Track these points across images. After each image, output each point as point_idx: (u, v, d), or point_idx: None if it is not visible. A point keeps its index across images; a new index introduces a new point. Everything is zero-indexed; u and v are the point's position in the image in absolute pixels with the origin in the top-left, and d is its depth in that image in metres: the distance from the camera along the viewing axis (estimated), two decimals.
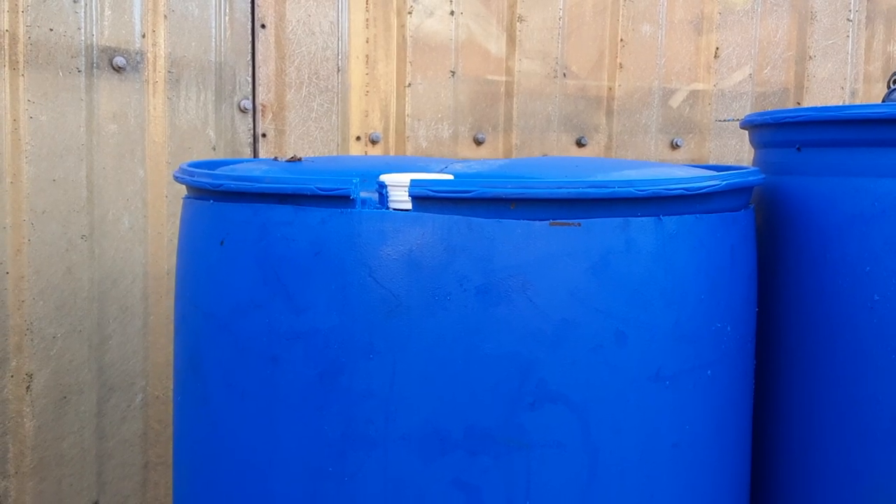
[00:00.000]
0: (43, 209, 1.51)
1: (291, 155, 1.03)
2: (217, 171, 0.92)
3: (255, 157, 1.77)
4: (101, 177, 1.58)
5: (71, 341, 1.55)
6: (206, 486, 0.92)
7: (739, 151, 2.11)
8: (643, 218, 0.83)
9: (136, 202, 1.62)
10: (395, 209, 0.82)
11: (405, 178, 0.84)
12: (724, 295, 0.91)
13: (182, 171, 0.99)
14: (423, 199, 0.80)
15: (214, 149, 1.71)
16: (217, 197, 0.90)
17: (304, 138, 1.78)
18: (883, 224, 0.94)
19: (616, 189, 0.81)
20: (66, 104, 1.53)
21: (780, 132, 1.09)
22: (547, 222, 0.81)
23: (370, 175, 0.94)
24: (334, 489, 0.83)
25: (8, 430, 1.51)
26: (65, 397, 1.55)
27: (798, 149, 1.05)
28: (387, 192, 0.83)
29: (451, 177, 0.89)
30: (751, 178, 0.94)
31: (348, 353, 0.82)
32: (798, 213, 1.02)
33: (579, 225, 0.81)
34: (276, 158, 1.08)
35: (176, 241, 1.65)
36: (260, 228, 0.86)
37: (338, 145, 1.81)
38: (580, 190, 0.80)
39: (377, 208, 0.82)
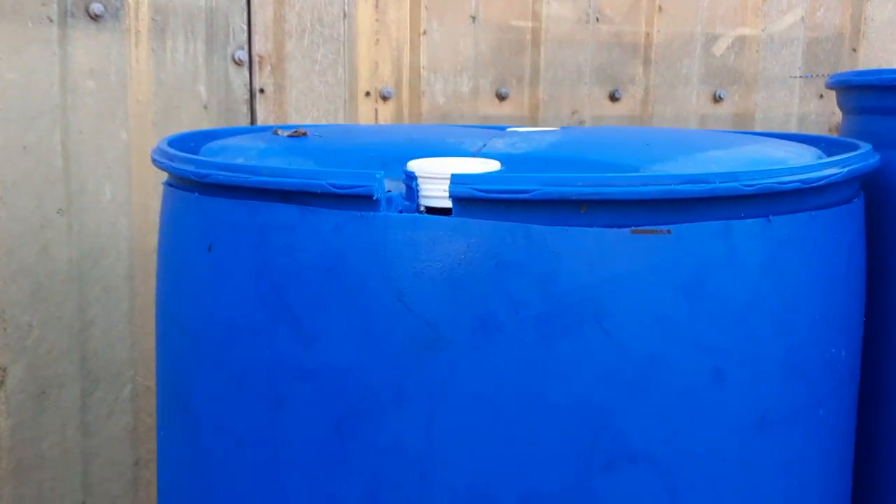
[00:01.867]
0: (13, 180, 1.32)
1: (294, 129, 0.84)
2: (202, 156, 0.73)
3: (251, 115, 1.57)
4: (78, 142, 1.38)
5: (48, 330, 1.37)
6: None
7: (789, 105, 1.91)
8: (749, 220, 0.65)
9: (119, 169, 1.43)
10: (429, 210, 0.64)
11: (442, 168, 0.65)
12: (839, 311, 0.72)
13: (160, 152, 0.80)
14: (468, 200, 0.61)
15: (206, 107, 1.51)
16: (203, 190, 0.72)
17: (306, 94, 1.58)
18: None
19: (717, 185, 0.62)
20: (36, 59, 1.33)
21: (887, 96, 0.90)
22: (627, 230, 0.62)
23: (393, 158, 0.75)
24: None
25: None
26: (43, 392, 1.38)
27: None
28: (418, 188, 0.65)
29: (497, 164, 0.70)
30: (871, 162, 0.75)
31: (372, 397, 0.64)
32: None
33: (669, 232, 0.62)
34: (276, 131, 0.89)
35: None
36: (257, 233, 0.68)
37: (345, 102, 1.61)
38: (672, 187, 0.61)
39: (407, 210, 0.63)
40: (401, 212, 0.65)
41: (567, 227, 0.61)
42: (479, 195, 0.61)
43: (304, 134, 0.87)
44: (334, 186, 0.63)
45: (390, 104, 1.65)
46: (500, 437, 0.63)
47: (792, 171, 0.65)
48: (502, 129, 1.10)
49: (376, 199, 0.63)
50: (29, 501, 1.39)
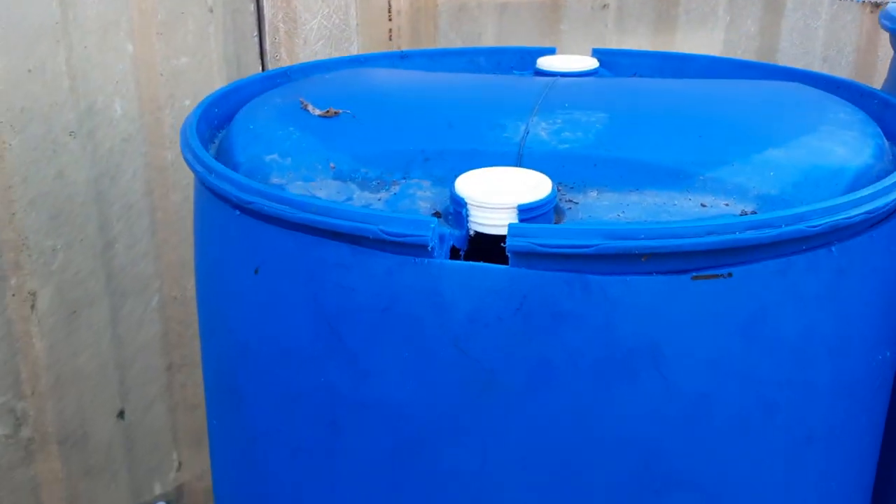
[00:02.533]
0: (21, 106, 1.28)
1: (327, 109, 0.81)
2: (242, 177, 0.70)
3: (258, 12, 1.50)
4: (83, 59, 1.33)
5: (73, 252, 1.37)
6: None
7: None
8: (810, 253, 0.63)
9: (127, 84, 1.38)
10: (478, 235, 0.63)
11: (492, 199, 0.64)
12: (891, 318, 0.72)
13: (190, 150, 0.77)
14: (526, 254, 0.60)
15: (212, 10, 1.44)
16: (247, 211, 0.70)
17: None
18: None
19: (783, 228, 0.60)
20: None
21: None
22: (688, 276, 0.61)
23: (434, 153, 0.73)
24: None
25: (17, 351, 1.37)
26: (74, 312, 1.40)
27: None
28: (468, 214, 0.63)
29: (548, 184, 0.67)
30: None
31: (429, 430, 0.65)
32: None
33: (730, 276, 0.61)
34: (304, 105, 0.85)
35: (176, 130, 1.43)
36: (307, 268, 0.66)
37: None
38: (736, 235, 0.59)
39: (458, 241, 0.62)
40: (453, 246, 0.64)
41: (626, 276, 0.60)
42: (539, 249, 0.59)
43: (337, 113, 0.84)
44: (387, 234, 0.61)
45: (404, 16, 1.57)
46: (552, 471, 0.64)
47: (860, 202, 0.63)
48: (539, 74, 1.05)
49: (430, 248, 0.61)
50: (71, 413, 1.44)
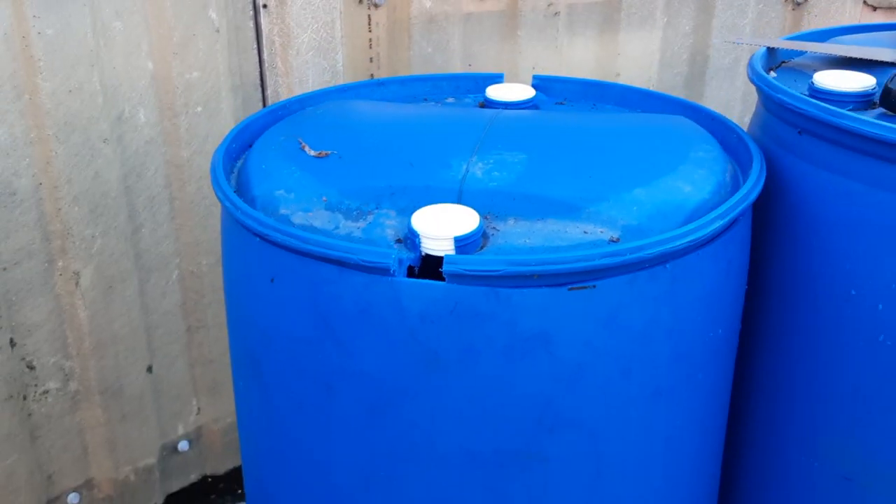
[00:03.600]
0: (65, 121, 1.55)
1: (319, 151, 1.09)
2: (261, 215, 0.99)
3: (257, 29, 1.76)
4: (112, 77, 1.59)
5: (108, 238, 1.65)
6: (271, 467, 1.10)
7: None
8: (650, 269, 0.93)
9: (148, 96, 1.65)
10: (428, 256, 0.92)
11: (436, 231, 0.93)
12: (720, 306, 1.02)
13: (221, 189, 1.05)
14: (457, 275, 0.89)
15: (218, 30, 1.70)
16: (263, 238, 0.98)
17: (305, 8, 1.76)
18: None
19: (628, 256, 0.90)
20: (70, 12, 1.51)
21: (780, 111, 1.14)
22: (566, 287, 0.90)
23: (399, 188, 1.02)
24: (384, 487, 1.01)
25: (64, 320, 1.67)
26: (111, 287, 1.69)
27: (799, 132, 1.11)
28: (420, 243, 0.92)
29: (475, 218, 0.96)
30: (754, 195, 1.01)
31: (394, 393, 0.96)
32: (795, 201, 1.10)
33: (594, 287, 0.91)
34: (302, 146, 1.13)
35: (190, 133, 1.70)
36: (309, 281, 0.96)
37: (340, 13, 1.79)
38: (597, 262, 0.89)
39: (413, 262, 0.91)
40: (410, 266, 0.93)
41: (523, 289, 0.90)
42: (464, 272, 0.88)
43: (327, 154, 1.12)
44: (363, 261, 0.90)
45: (382, 10, 1.83)
46: (480, 418, 0.95)
47: (683, 234, 0.92)
48: (491, 106, 1.32)
49: (392, 271, 0.90)
50: (110, 370, 1.74)
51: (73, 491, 1.80)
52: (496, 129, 1.18)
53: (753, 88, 1.25)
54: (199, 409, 1.95)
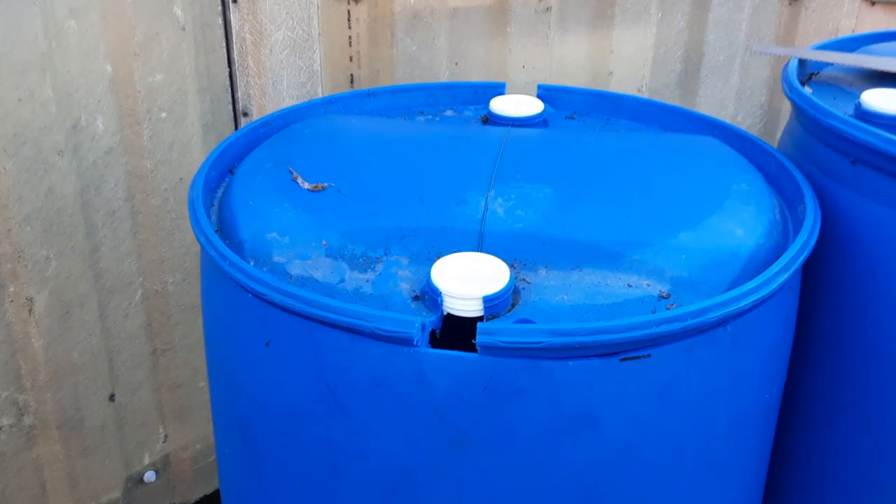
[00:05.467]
0: (13, 132, 1.38)
1: (315, 184, 0.96)
2: (253, 269, 0.85)
3: (225, 26, 1.60)
4: (66, 83, 1.42)
5: (64, 260, 1.49)
6: None
7: None
8: (709, 332, 0.81)
9: (108, 102, 1.48)
10: (451, 316, 0.80)
11: (461, 290, 0.80)
12: (777, 364, 0.91)
13: (199, 231, 0.91)
14: (492, 347, 0.76)
15: (184, 28, 1.53)
16: (256, 295, 0.84)
17: (279, 3, 1.60)
18: None
19: (689, 322, 0.78)
20: (17, 12, 1.33)
21: (828, 136, 1.02)
22: (617, 358, 0.78)
23: (410, 230, 0.89)
24: None
25: (17, 350, 1.50)
26: (68, 312, 1.53)
27: (852, 162, 0.99)
28: (442, 302, 0.79)
29: (506, 272, 0.83)
30: (815, 239, 0.90)
31: (415, 475, 0.83)
32: (850, 239, 0.99)
33: (649, 356, 0.79)
34: (294, 177, 0.99)
35: (154, 141, 1.54)
36: (312, 347, 0.82)
37: (318, 8, 1.64)
38: (653, 330, 0.77)
39: (440, 347, 0.78)
40: (432, 331, 0.80)
41: (568, 361, 0.77)
42: (501, 344, 0.76)
43: (324, 188, 0.98)
44: (380, 330, 0.77)
45: (362, 6, 1.68)
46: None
47: (748, 293, 0.81)
48: (500, 122, 1.19)
49: (416, 342, 0.77)
50: (68, 401, 1.58)
51: None
52: (511, 154, 1.05)
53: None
54: (166, 436, 1.81)
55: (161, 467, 1.81)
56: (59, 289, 1.50)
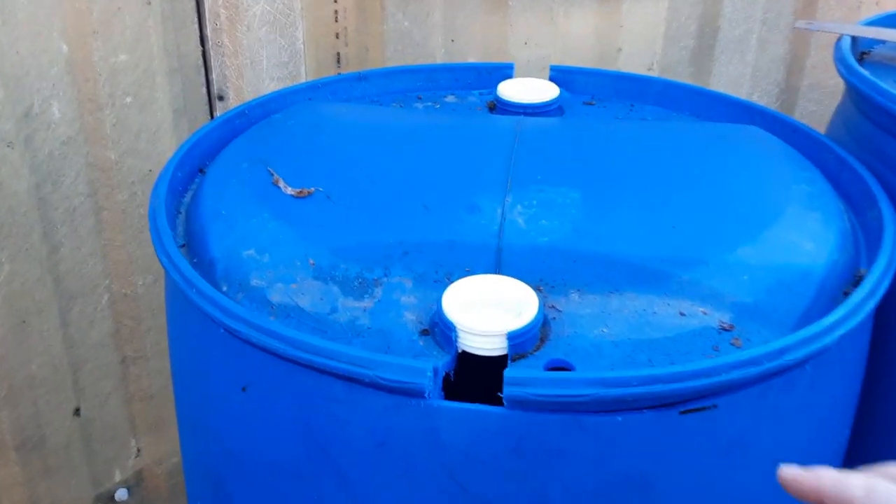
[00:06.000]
0: None
1: (300, 188, 0.80)
2: (228, 302, 0.69)
3: (197, 3, 1.43)
4: (15, 65, 1.25)
5: (18, 264, 1.33)
6: None
7: None
8: (787, 374, 0.66)
9: (64, 86, 1.32)
10: (465, 353, 0.65)
11: (488, 335, 0.65)
12: (852, 402, 0.77)
13: (161, 250, 0.75)
14: (522, 401, 0.61)
15: (149, 2, 1.36)
16: (231, 332, 0.69)
17: None
18: None
19: (766, 366, 0.63)
20: None
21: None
22: (676, 410, 0.63)
23: (412, 245, 0.74)
24: None
25: None
26: (23, 321, 1.37)
27: None
28: (457, 338, 0.65)
29: (535, 304, 0.68)
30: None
31: None
32: None
33: (715, 407, 0.64)
34: (276, 180, 0.84)
35: (118, 129, 1.38)
36: (300, 397, 0.67)
37: None
38: (722, 377, 0.62)
39: (458, 401, 0.63)
40: (446, 375, 0.65)
41: (618, 416, 0.63)
42: (535, 398, 0.61)
43: (310, 193, 0.82)
44: (384, 380, 0.62)
45: None
46: None
47: (833, 327, 0.66)
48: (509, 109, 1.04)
49: (427, 394, 0.62)
50: (27, 419, 1.43)
51: None
52: (526, 149, 0.90)
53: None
54: (138, 450, 1.65)
55: (134, 484, 1.66)
56: (13, 296, 1.34)
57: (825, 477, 0.45)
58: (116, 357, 1.55)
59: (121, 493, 1.64)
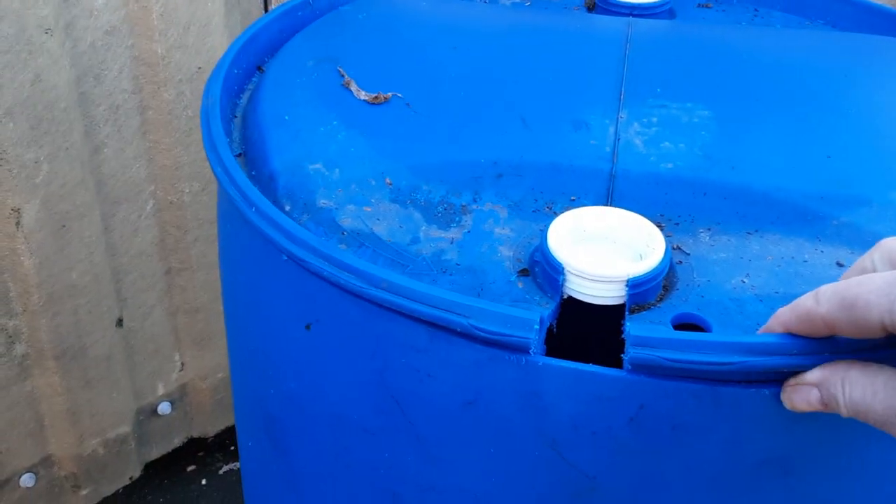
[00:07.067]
0: None
1: (376, 93, 0.68)
2: (294, 226, 0.58)
3: None
4: None
5: (58, 163, 1.23)
6: None
7: None
8: None
9: None
10: (570, 299, 0.54)
11: (604, 280, 0.53)
12: None
13: (216, 159, 0.64)
14: (649, 366, 0.50)
15: None
16: (300, 265, 0.58)
17: None
18: None
19: None
20: None
21: None
22: None
23: (508, 166, 0.62)
24: None
25: (4, 269, 1.26)
26: (64, 225, 1.28)
27: None
28: (564, 281, 0.53)
29: (660, 248, 0.56)
30: None
31: None
32: None
33: None
34: (346, 82, 0.71)
35: (167, 21, 1.26)
36: (373, 341, 0.56)
37: None
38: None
39: (569, 360, 0.52)
40: (549, 326, 0.53)
41: (763, 389, 0.51)
42: (665, 364, 0.49)
43: (387, 98, 0.70)
44: (479, 330, 0.51)
45: None
46: None
47: None
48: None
49: (532, 350, 0.51)
50: (68, 328, 1.35)
51: (27, 471, 1.44)
52: (641, 56, 0.76)
53: None
54: (182, 364, 1.58)
55: (177, 398, 1.60)
56: (52, 198, 1.25)
57: (780, 313, 0.48)
58: (161, 267, 1.46)
59: (163, 407, 1.58)
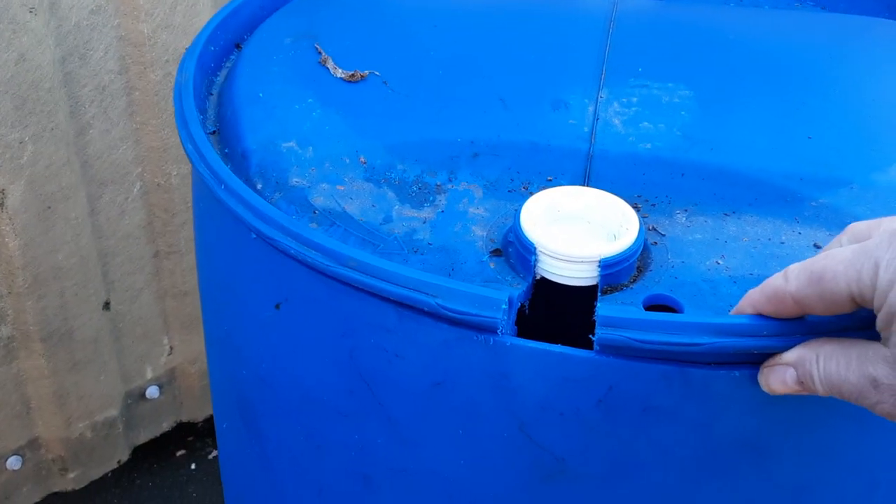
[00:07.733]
0: None
1: (353, 70, 0.67)
2: (263, 204, 0.57)
3: None
4: None
5: (43, 144, 1.22)
6: None
7: None
8: None
9: None
10: (543, 280, 0.53)
11: (576, 260, 0.52)
12: None
13: (187, 137, 0.63)
14: (618, 347, 0.49)
15: None
16: (269, 244, 0.57)
17: None
18: None
19: None
20: None
21: None
22: None
23: (485, 145, 0.61)
24: None
25: None
26: (49, 207, 1.27)
27: None
28: (536, 261, 0.52)
29: (634, 228, 0.55)
30: None
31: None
32: None
33: None
34: (323, 60, 0.70)
35: (153, 0, 1.24)
36: (343, 322, 0.55)
37: None
38: (873, 330, 0.49)
39: (537, 341, 0.51)
40: (521, 306, 0.53)
41: (734, 371, 0.50)
42: (634, 344, 0.48)
43: (364, 77, 0.69)
44: (447, 310, 0.50)
45: None
46: None
47: None
48: None
49: (500, 331, 0.50)
50: (54, 310, 1.35)
51: (14, 454, 1.44)
52: (624, 35, 0.75)
53: None
54: (171, 348, 1.58)
55: (165, 382, 1.59)
56: (38, 179, 1.24)
57: (750, 294, 0.48)
58: (149, 251, 1.45)
59: (152, 391, 1.57)
